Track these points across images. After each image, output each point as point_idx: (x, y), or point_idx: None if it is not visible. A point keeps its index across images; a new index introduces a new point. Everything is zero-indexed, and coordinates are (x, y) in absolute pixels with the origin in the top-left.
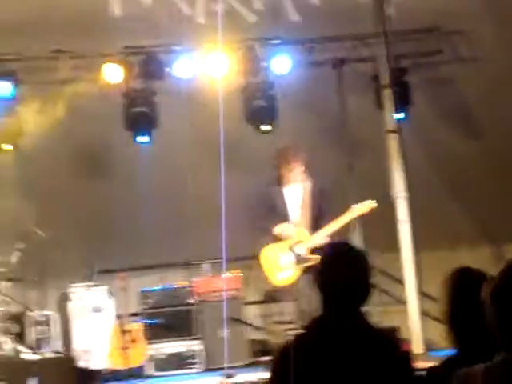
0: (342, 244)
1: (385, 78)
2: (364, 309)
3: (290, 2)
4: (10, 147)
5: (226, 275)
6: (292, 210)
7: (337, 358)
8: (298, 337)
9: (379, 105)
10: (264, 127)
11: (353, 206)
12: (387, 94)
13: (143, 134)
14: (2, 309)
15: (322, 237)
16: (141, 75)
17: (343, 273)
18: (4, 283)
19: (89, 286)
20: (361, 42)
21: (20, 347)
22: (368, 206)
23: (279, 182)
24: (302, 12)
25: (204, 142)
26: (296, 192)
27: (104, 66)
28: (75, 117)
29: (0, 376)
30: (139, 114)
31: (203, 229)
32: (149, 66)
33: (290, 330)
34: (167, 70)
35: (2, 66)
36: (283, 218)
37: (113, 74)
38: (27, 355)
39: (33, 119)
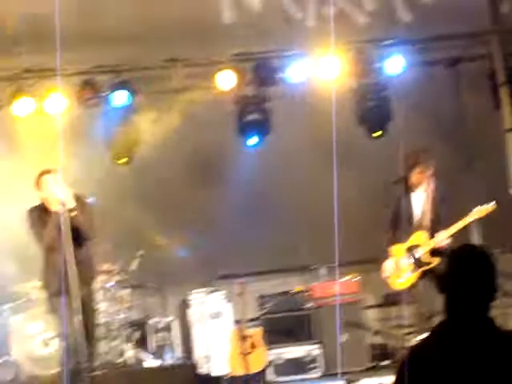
0: (467, 246)
1: (501, 76)
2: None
3: (402, 1)
4: (125, 160)
5: (344, 279)
6: (414, 212)
7: (465, 361)
8: (423, 340)
9: (496, 103)
10: (375, 134)
11: (474, 209)
12: (504, 92)
13: (256, 140)
14: (123, 316)
15: (442, 240)
16: (253, 81)
17: (470, 275)
18: (125, 290)
19: (208, 291)
20: (475, 40)
21: (142, 354)
22: (487, 208)
23: (405, 184)
24: (414, 11)
25: (319, 144)
26: (420, 195)
27: (217, 73)
28: (189, 125)
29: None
30: (252, 120)
31: (320, 232)
32: (261, 72)
33: (410, 333)
34: (279, 75)
35: (117, 76)
36: (406, 220)
37: (225, 81)
38: (149, 362)
39: (148, 128)
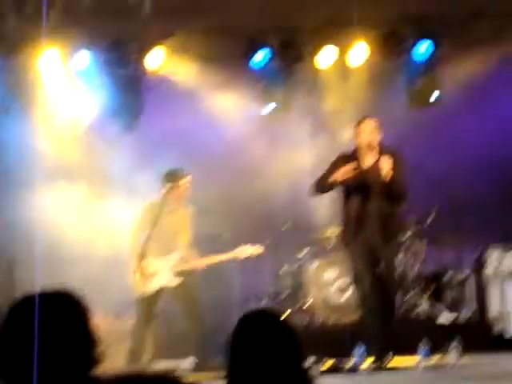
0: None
1: None
2: None
3: None
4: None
5: None
6: None
7: None
8: None
9: None
10: None
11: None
12: None
13: None
14: (417, 268)
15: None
16: None
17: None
18: (420, 243)
19: (506, 248)
20: None
21: (436, 308)
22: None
23: None
24: None
25: None
26: None
27: None
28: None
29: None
30: None
31: None
32: None
33: None
34: None
35: (420, 27)
36: None
37: None
38: (443, 316)
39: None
